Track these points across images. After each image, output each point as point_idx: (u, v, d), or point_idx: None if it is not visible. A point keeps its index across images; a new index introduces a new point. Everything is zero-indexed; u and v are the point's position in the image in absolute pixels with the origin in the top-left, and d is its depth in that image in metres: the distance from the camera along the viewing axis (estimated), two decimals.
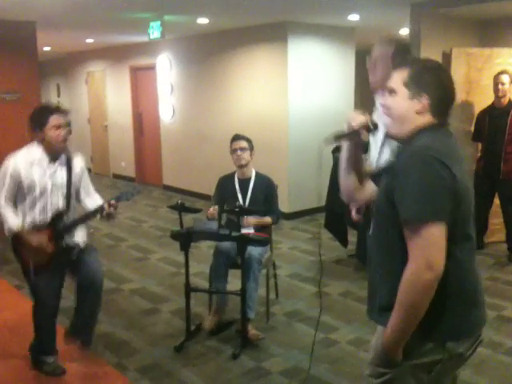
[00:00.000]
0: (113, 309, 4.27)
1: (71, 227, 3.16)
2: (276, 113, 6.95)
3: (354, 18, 6.33)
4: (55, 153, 3.11)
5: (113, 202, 3.12)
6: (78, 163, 3.28)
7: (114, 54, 9.91)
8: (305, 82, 6.90)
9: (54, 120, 3.04)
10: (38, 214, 3.10)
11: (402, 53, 2.57)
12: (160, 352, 3.56)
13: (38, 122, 3.07)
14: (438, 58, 5.40)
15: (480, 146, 5.44)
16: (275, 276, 4.39)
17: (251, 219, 3.90)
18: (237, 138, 4.06)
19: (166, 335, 3.81)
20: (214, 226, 3.50)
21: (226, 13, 6.09)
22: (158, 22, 5.96)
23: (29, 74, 6.53)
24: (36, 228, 3.07)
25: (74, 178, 3.21)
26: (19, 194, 3.08)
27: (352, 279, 4.85)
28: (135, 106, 9.74)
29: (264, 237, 3.74)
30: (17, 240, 3.07)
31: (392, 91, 1.75)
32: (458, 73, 5.25)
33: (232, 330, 3.86)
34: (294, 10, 5.95)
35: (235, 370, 3.33)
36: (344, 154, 1.99)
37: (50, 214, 3.11)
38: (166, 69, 8.76)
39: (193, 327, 3.76)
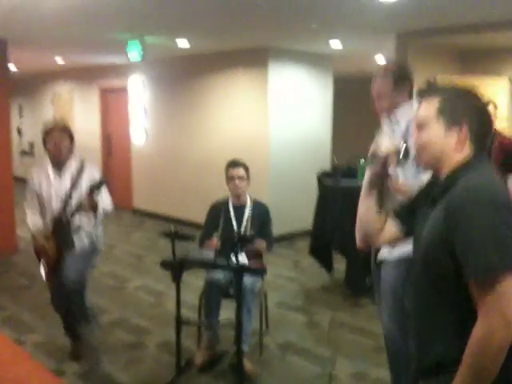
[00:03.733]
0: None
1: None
2: (256, 137, 6.86)
3: (336, 45, 6.34)
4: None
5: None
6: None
7: (83, 75, 9.66)
8: (285, 107, 6.86)
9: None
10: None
11: (403, 76, 2.71)
12: None
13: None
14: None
15: None
16: (266, 306, 4.23)
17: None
18: (234, 164, 3.81)
19: (154, 371, 3.58)
20: (209, 255, 3.35)
21: (208, 36, 6.00)
22: (139, 45, 5.76)
23: None
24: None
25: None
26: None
27: (343, 309, 4.70)
28: (104, 128, 9.48)
29: (261, 268, 3.57)
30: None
31: (422, 126, 1.55)
32: None
33: (225, 363, 3.66)
34: (276, 36, 5.91)
35: None
36: (364, 184, 1.82)
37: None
38: (139, 91, 8.57)
39: (182, 362, 3.55)
